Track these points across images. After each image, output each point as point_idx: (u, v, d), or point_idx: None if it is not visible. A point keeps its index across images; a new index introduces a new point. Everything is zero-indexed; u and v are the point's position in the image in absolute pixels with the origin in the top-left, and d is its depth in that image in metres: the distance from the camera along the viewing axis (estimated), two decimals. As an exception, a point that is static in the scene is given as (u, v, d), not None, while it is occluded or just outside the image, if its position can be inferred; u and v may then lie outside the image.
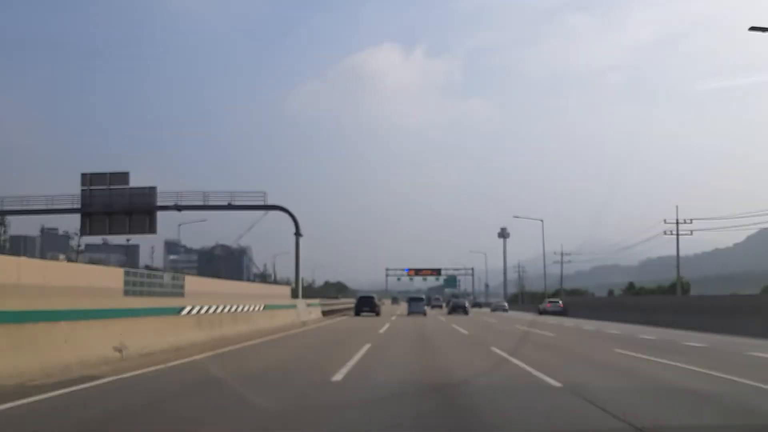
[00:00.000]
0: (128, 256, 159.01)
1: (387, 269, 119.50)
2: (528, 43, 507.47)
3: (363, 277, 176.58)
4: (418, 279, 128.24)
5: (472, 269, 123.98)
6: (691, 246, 64.42)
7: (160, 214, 43.51)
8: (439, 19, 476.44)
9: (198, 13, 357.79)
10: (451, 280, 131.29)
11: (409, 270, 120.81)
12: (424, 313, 41.92)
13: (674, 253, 53.23)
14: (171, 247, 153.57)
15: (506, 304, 73.88)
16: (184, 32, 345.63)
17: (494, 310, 67.13)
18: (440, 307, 68.04)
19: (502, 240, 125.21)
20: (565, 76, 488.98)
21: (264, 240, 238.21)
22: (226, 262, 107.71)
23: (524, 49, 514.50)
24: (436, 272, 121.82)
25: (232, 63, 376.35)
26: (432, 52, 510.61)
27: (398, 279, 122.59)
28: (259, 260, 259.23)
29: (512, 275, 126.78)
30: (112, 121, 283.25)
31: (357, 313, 39.48)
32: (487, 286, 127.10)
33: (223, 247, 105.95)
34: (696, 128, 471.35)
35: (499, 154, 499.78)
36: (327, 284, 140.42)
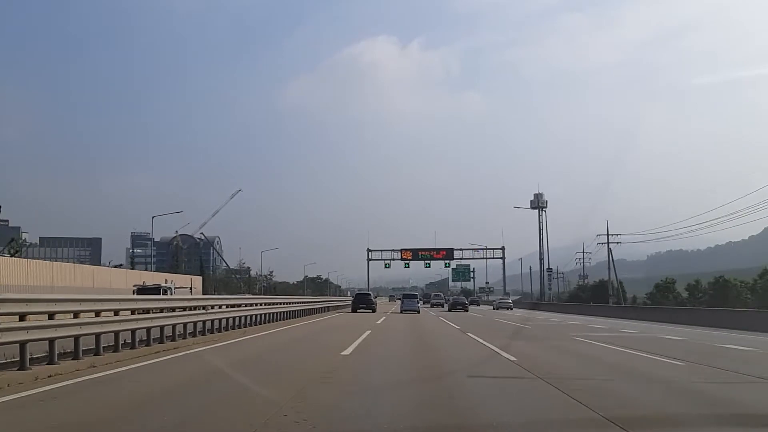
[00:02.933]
0: (91, 250, 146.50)
1: (369, 250, 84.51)
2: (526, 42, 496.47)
3: (356, 274, 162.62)
4: (417, 266, 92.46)
5: (502, 249, 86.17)
6: (703, 240, 55.29)
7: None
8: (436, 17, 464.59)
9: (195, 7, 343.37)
10: (463, 272, 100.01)
11: (404, 252, 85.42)
12: (418, 311, 40.54)
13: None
14: (138, 239, 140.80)
15: (511, 302, 66.61)
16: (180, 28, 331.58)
17: (497, 308, 59.36)
18: (441, 305, 63.65)
19: (536, 212, 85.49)
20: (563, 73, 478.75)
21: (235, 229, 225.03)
22: (189, 255, 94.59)
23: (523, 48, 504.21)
24: (445, 254, 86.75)
25: (225, 57, 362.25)
26: (429, 47, 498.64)
27: (386, 266, 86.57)
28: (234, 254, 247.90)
29: (560, 259, 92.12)
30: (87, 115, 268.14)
31: (354, 310, 40.34)
32: (550, 271, 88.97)
33: (185, 237, 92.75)
34: (693, 121, 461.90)
35: (497, 146, 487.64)
36: (307, 280, 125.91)
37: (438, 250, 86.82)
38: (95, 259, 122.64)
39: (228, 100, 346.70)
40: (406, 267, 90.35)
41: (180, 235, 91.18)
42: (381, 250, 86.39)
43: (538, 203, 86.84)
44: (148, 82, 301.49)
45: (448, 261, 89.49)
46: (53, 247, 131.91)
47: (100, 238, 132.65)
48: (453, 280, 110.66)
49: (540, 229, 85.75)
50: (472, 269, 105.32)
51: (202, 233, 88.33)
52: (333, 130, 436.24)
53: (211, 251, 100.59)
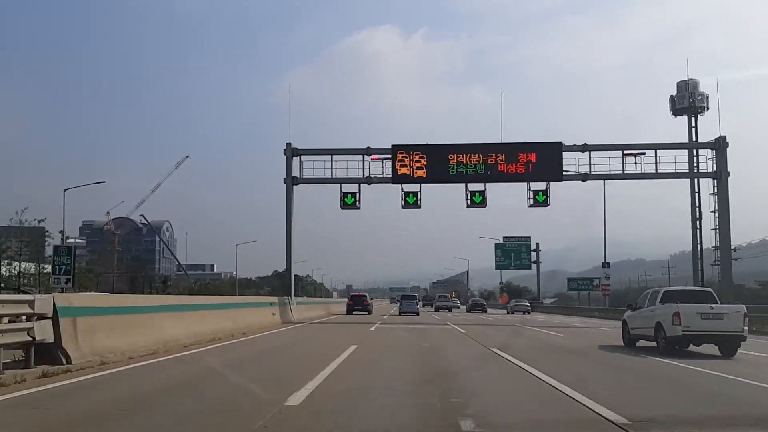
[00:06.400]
0: (31, 242, 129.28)
1: (290, 147, 29.45)
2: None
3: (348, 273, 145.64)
4: (450, 202, 51.50)
5: (718, 140, 30.34)
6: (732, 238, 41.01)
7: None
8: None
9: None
10: (517, 251, 60.03)
11: (406, 155, 29.95)
12: (417, 313, 41.51)
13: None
14: (86, 229, 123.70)
15: (528, 304, 53.94)
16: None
17: (512, 312, 50.29)
18: (448, 308, 54.58)
19: (685, 119, 41.68)
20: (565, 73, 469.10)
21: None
22: (128, 244, 77.37)
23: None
24: (535, 163, 29.34)
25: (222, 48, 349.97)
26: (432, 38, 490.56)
27: (347, 200, 30.56)
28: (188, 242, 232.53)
29: (558, 260, 58.74)
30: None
31: (349, 312, 41.32)
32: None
33: (122, 220, 75.29)
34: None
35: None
36: (276, 274, 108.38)
37: (513, 149, 29.92)
38: (35, 254, 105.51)
39: (229, 95, 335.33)
40: (409, 202, 30.54)
41: (114, 218, 73.42)
42: (327, 152, 31.39)
43: (692, 100, 41.21)
44: (145, 78, 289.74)
45: (544, 186, 30.00)
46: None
47: (44, 227, 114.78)
48: (498, 267, 62.39)
49: (692, 154, 32.04)
50: (535, 245, 60.85)
51: (142, 215, 71.11)
52: (335, 121, 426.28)
53: (157, 240, 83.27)
